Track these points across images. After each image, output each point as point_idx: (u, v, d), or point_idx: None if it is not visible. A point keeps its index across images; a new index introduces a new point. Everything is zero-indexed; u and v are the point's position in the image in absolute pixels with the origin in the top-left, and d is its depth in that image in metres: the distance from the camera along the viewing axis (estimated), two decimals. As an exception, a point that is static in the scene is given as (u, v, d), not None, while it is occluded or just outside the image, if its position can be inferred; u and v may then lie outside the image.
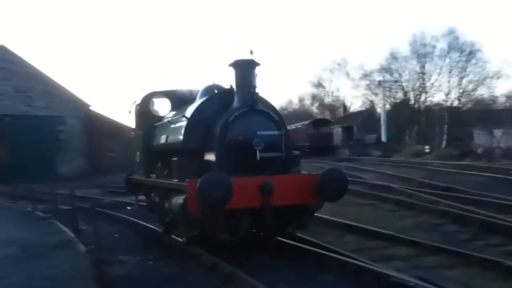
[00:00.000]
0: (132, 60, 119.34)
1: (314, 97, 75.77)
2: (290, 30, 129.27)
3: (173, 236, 9.21)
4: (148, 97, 10.66)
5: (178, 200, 7.45)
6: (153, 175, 9.53)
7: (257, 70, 7.83)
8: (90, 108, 31.99)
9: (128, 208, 15.03)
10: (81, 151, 29.42)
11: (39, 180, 24.88)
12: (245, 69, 7.81)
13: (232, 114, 7.51)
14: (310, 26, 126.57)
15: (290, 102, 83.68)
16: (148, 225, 10.88)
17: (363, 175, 21.64)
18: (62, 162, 29.62)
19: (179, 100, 9.99)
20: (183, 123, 8.20)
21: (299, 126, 49.01)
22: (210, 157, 7.60)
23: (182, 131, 8.09)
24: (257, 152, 7.23)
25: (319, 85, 73.22)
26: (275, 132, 7.63)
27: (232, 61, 7.79)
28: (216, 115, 7.81)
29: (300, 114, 70.25)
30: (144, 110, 10.56)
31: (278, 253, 7.87)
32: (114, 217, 12.95)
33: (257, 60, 7.79)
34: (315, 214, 8.43)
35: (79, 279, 6.61)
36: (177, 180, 7.84)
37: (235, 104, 7.75)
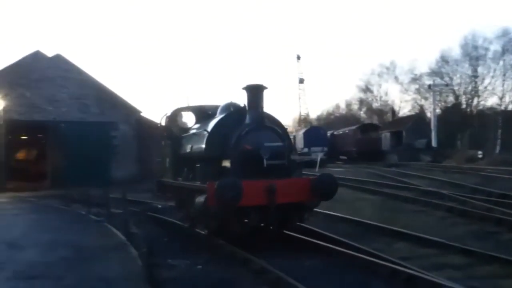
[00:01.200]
0: (179, 70, 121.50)
1: (361, 102, 74.89)
2: (338, 34, 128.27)
3: (197, 230, 10.73)
4: (177, 111, 12.67)
5: (200, 198, 9.01)
6: (180, 178, 11.30)
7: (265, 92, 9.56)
8: (141, 114, 32.62)
9: (159, 206, 15.35)
10: (133, 156, 30.10)
11: (93, 184, 25.58)
12: (255, 92, 9.54)
13: (244, 129, 9.27)
14: (358, 30, 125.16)
15: (337, 107, 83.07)
16: (197, 230, 10.99)
17: (413, 181, 21.16)
18: (114, 166, 30.31)
19: (202, 114, 11.89)
20: (205, 135, 9.96)
21: (347, 131, 48.49)
22: (227, 163, 9.27)
23: (204, 142, 9.86)
24: (264, 160, 8.92)
25: (367, 89, 72.33)
26: (279, 144, 9.31)
27: (244, 85, 9.51)
28: (232, 129, 9.46)
29: (348, 119, 69.54)
30: (173, 123, 12.49)
31: (329, 258, 7.82)
32: (164, 221, 13.13)
33: (265, 84, 9.53)
34: (362, 221, 10.55)
35: (131, 281, 6.74)
36: (199, 182, 9.53)
37: (247, 120, 9.49)
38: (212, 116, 10.89)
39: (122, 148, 30.83)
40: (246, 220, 8.94)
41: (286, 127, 10.43)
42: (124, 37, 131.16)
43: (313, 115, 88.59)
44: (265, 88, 9.62)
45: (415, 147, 41.16)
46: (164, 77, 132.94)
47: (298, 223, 9.85)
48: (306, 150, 47.71)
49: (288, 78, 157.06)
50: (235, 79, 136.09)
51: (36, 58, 30.79)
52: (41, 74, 30.00)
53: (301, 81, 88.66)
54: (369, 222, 11.25)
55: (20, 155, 41.84)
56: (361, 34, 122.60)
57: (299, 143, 51.82)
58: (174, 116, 12.65)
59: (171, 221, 12.86)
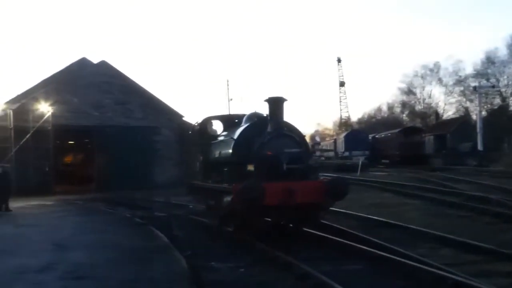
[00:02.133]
0: (222, 74, 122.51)
1: (404, 105, 73.62)
2: (379, 36, 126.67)
3: (225, 227, 11.63)
4: (207, 120, 13.95)
5: (227, 199, 10.21)
6: (209, 181, 12.53)
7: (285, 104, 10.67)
8: (183, 118, 32.99)
9: (190, 206, 15.56)
10: (175, 160, 30.53)
11: (137, 187, 26.10)
12: (276, 104, 10.63)
13: (266, 137, 10.43)
14: (400, 32, 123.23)
15: (379, 109, 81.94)
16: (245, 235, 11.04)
17: (458, 185, 20.66)
18: (158, 170, 30.76)
19: (229, 123, 13.19)
20: (232, 142, 11.14)
21: (389, 134, 47.71)
22: (251, 167, 10.28)
23: (231, 148, 11.02)
24: (284, 164, 9.97)
25: (409, 92, 71.08)
26: (297, 150, 10.33)
27: (267, 97, 10.62)
28: (255, 137, 10.62)
29: (390, 122, 68.44)
30: (203, 130, 13.75)
31: (372, 263, 7.72)
32: (207, 225, 13.26)
33: (285, 96, 10.63)
34: (406, 226, 10.87)
35: (176, 283, 6.84)
36: (227, 184, 10.66)
37: (269, 129, 10.59)
38: (238, 124, 12.17)
39: (164, 152, 31.29)
40: (267, 218, 10.39)
41: (304, 134, 11.59)
42: (167, 43, 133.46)
43: (354, 118, 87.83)
44: (285, 100, 10.69)
45: (460, 151, 40.14)
46: (207, 81, 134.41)
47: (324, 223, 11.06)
48: (347, 154, 47.24)
49: (329, 80, 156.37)
50: (277, 82, 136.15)
51: (82, 65, 31.67)
52: (87, 80, 30.88)
53: (342, 84, 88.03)
54: (412, 227, 11.04)
55: (67, 159, 43.08)
56: (403, 35, 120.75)
57: (340, 147, 51.43)
58: (204, 124, 13.93)
59: (212, 224, 12.98)
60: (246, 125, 11.51)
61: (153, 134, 31.84)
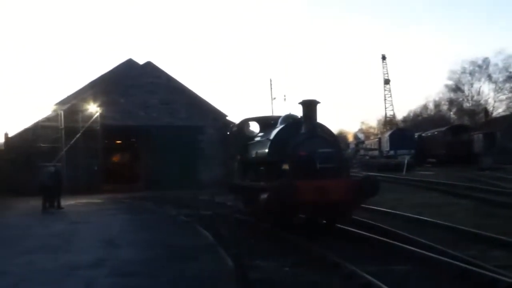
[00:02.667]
0: (267, 73, 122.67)
1: (451, 102, 71.63)
2: (424, 32, 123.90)
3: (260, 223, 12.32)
4: (244, 121, 14.77)
5: (264, 196, 10.64)
6: (247, 180, 13.26)
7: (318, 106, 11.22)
8: (227, 118, 33.15)
9: (233, 205, 15.98)
10: (219, 159, 30.78)
11: (182, 186, 26.45)
12: (309, 106, 11.16)
13: (300, 138, 10.99)
14: (446, 27, 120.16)
15: (425, 107, 79.95)
16: (285, 233, 11.05)
17: (509, 185, 19.98)
18: (202, 169, 31.03)
19: (265, 124, 13.89)
20: (268, 142, 11.82)
21: (435, 132, 46.58)
22: (286, 167, 10.90)
23: (267, 148, 11.71)
24: (317, 163, 10.43)
25: (457, 89, 69.13)
26: (330, 150, 10.77)
27: (301, 100, 11.24)
28: (290, 138, 11.18)
29: (436, 120, 66.77)
30: (240, 131, 14.50)
31: (420, 264, 7.57)
32: (250, 223, 13.32)
33: (318, 99, 11.21)
34: (454, 226, 10.85)
35: (223, 281, 6.90)
36: (263, 182, 11.39)
37: (303, 130, 11.17)
38: (274, 125, 12.82)
39: (208, 152, 31.56)
40: (301, 215, 11.24)
41: (336, 135, 12.38)
42: (211, 42, 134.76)
43: (400, 116, 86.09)
44: (318, 102, 11.23)
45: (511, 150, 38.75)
46: (251, 80, 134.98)
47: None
48: (392, 152, 46.40)
49: (373, 78, 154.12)
50: (321, 80, 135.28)
51: (128, 66, 32.42)
52: (133, 81, 31.54)
53: (387, 81, 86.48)
54: (461, 227, 10.75)
55: (115, 158, 44.03)
56: (450, 30, 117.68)
57: (385, 146, 50.54)
58: (242, 126, 14.69)
59: (256, 224, 13.03)
60: (282, 126, 12.13)
61: (197, 134, 32.13)
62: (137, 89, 31.38)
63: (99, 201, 22.67)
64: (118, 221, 14.54)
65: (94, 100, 29.59)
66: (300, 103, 11.30)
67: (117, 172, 38.79)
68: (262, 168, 12.14)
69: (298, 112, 11.86)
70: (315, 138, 10.94)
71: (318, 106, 11.26)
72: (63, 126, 28.69)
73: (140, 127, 31.34)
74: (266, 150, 11.81)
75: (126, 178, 37.01)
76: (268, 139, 12.04)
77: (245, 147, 13.81)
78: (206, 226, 12.19)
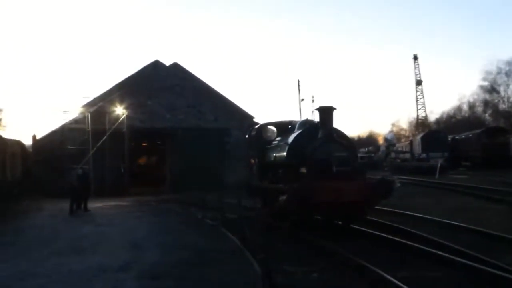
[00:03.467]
0: (294, 75, 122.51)
1: (486, 104, 70.19)
2: (458, 31, 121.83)
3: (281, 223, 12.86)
4: (262, 126, 15.85)
5: (282, 197, 11.56)
6: (265, 182, 14.28)
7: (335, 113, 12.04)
8: (254, 119, 33.18)
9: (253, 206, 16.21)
10: (245, 162, 30.87)
11: (208, 188, 26.59)
12: (326, 112, 12.01)
13: (317, 142, 11.85)
14: (481, 26, 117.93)
15: (459, 109, 78.53)
16: (306, 233, 11.05)
17: (548, 190, 19.48)
18: (228, 172, 31.08)
19: (283, 129, 14.75)
20: (286, 146, 12.75)
21: (470, 135, 45.70)
22: (303, 170, 11.71)
23: (286, 152, 12.66)
24: (334, 166, 11.32)
25: (492, 90, 67.73)
26: (345, 154, 11.68)
27: (317, 107, 12.22)
28: (308, 142, 12.04)
29: (471, 122, 65.53)
30: (259, 136, 15.40)
31: (453, 271, 7.46)
32: (277, 227, 13.26)
33: (334, 105, 12.02)
34: (489, 232, 10.75)
35: (250, 287, 6.93)
36: (282, 184, 12.22)
37: (320, 135, 12.01)
38: (291, 130, 13.75)
39: (235, 154, 31.63)
40: (318, 216, 12.15)
41: (352, 140, 13.30)
42: (239, 44, 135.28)
43: (432, 118, 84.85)
44: (334, 109, 12.01)
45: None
46: (279, 82, 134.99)
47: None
48: (424, 155, 45.72)
49: (405, 79, 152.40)
50: (351, 82, 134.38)
51: (155, 67, 32.71)
52: (160, 83, 31.93)
53: (419, 82, 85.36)
54: (496, 233, 10.56)
55: (141, 161, 44.64)
56: (484, 30, 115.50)
57: (417, 148, 49.84)
58: (260, 130, 15.63)
59: (275, 224, 13.08)
60: (299, 131, 13.00)
61: (223, 136, 32.31)
62: (163, 91, 31.80)
63: (125, 203, 23.01)
64: (144, 224, 14.74)
65: (121, 102, 30.04)
66: (317, 109, 12.25)
67: (143, 174, 39.26)
68: (280, 170, 13.05)
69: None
70: (331, 143, 11.78)
71: (335, 112, 12.04)
72: (90, 128, 29.21)
73: (166, 129, 31.67)
74: (285, 154, 12.70)
75: (152, 181, 37.38)
76: (286, 143, 12.93)
77: (263, 151, 14.85)
78: (232, 229, 12.24)
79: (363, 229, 11.76)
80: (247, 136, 17.53)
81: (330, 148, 11.65)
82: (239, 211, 15.71)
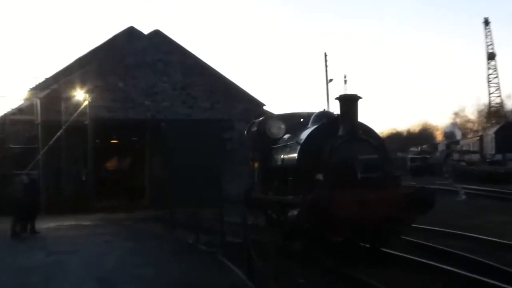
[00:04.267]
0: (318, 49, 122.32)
1: None
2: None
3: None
4: (265, 120, 16.34)
5: (293, 212, 12.10)
6: (270, 192, 14.67)
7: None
8: (264, 108, 32.98)
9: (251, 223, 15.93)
10: (245, 166, 30.74)
11: (202, 202, 26.49)
12: (348, 102, 12.47)
13: (337, 141, 12.20)
14: None
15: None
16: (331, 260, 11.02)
17: None
18: (230, 179, 30.75)
19: (293, 123, 15.23)
20: (297, 147, 13.15)
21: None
22: (319, 176, 11.98)
23: (297, 154, 13.04)
24: (358, 173, 11.60)
25: None
26: (374, 156, 11.95)
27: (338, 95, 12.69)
28: (325, 141, 12.40)
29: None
30: (262, 133, 15.83)
31: None
32: (296, 253, 13.25)
33: (359, 94, 12.50)
34: None
35: None
36: (292, 196, 12.53)
37: (340, 132, 12.42)
38: (304, 125, 14.29)
39: (239, 154, 31.44)
40: (338, 236, 12.27)
41: (382, 138, 13.64)
42: (244, 7, 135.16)
43: (510, 105, 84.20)
44: (359, 98, 12.47)
45: None
46: (296, 58, 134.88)
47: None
48: (499, 157, 45.41)
49: (471, 52, 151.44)
50: (396, 56, 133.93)
51: (130, 36, 32.57)
52: (136, 57, 31.98)
53: (491, 56, 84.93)
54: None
55: (111, 164, 44.69)
56: None
57: (489, 147, 49.63)
58: (263, 125, 16.02)
59: (283, 247, 13.15)
60: (314, 126, 13.47)
61: (224, 130, 32.16)
62: (141, 68, 31.85)
63: (89, 223, 23.03)
64: (115, 251, 14.70)
65: (82, 84, 29.94)
66: (337, 98, 12.69)
67: (113, 183, 39.21)
68: (290, 178, 13.15)
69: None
70: (356, 142, 12.19)
71: (360, 102, 12.46)
72: (39, 120, 29.21)
73: (145, 121, 31.84)
74: (295, 156, 13.15)
75: (126, 192, 37.40)
76: (297, 142, 13.38)
77: (267, 152, 15.40)
78: (235, 258, 12.21)
79: (408, 256, 11.89)
80: (246, 132, 18.23)
81: (353, 148, 11.99)
82: (244, 233, 15.67)
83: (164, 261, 13.10)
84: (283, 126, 15.63)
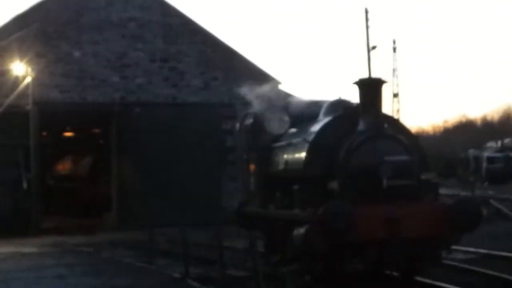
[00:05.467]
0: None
1: None
2: None
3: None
4: (263, 111, 16.61)
5: (300, 231, 12.15)
6: (271, 206, 14.98)
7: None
8: (279, 86, 32.83)
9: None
10: (238, 171, 30.70)
11: (191, 220, 26.53)
12: (370, 89, 12.95)
13: (356, 139, 12.51)
14: None
15: None
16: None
17: None
18: (229, 187, 30.70)
19: (300, 115, 15.66)
20: (305, 146, 13.40)
21: None
22: (333, 184, 12.28)
23: (304, 156, 13.34)
24: (384, 180, 11.77)
25: None
26: (404, 158, 12.29)
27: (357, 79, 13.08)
28: (340, 139, 12.82)
29: None
30: (260, 127, 16.26)
31: None
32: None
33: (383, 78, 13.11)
34: None
35: None
36: (298, 210, 12.83)
37: (360, 127, 12.78)
38: (314, 117, 14.64)
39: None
40: (361, 262, 12.38)
41: (415, 135, 14.21)
42: None
43: None
44: (384, 82, 13.20)
45: None
46: (322, 20, 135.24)
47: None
48: None
49: None
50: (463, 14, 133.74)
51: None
52: (98, 14, 31.95)
53: None
54: None
55: (63, 167, 44.56)
56: None
57: None
58: (261, 117, 16.43)
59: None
60: (327, 119, 13.90)
61: (221, 118, 32.12)
62: (105, 31, 31.86)
63: (33, 250, 23.12)
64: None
65: (23, 54, 29.88)
66: (356, 83, 13.13)
67: (67, 194, 39.32)
68: (295, 186, 13.41)
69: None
70: (381, 139, 12.57)
71: (384, 86, 13.20)
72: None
73: (112, 105, 31.85)
74: (303, 159, 13.42)
75: (84, 205, 37.43)
76: (305, 139, 13.66)
77: (266, 153, 15.84)
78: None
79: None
80: (238, 126, 19.28)
81: (378, 148, 12.33)
82: (253, 262, 15.74)
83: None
84: (286, 119, 15.98)
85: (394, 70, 73.96)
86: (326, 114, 14.25)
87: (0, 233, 26.35)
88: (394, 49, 59.95)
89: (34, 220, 29.85)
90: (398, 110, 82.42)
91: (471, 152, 61.90)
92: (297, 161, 13.70)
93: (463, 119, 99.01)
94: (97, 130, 38.87)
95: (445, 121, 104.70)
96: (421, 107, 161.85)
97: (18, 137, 29.50)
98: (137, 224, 28.09)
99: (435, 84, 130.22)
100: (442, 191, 43.73)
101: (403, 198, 11.90)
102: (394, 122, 13.49)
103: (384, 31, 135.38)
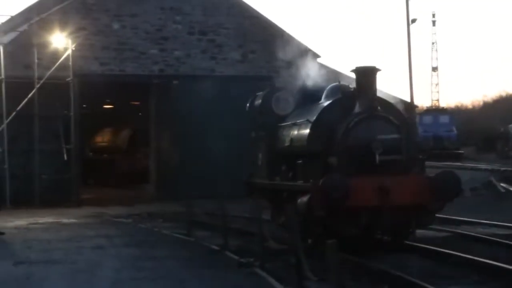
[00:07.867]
0: None
1: None
2: None
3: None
4: (270, 92, 18.96)
5: (303, 199, 14.19)
6: (277, 178, 17.11)
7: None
8: (318, 60, 32.68)
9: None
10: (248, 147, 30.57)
11: (230, 193, 26.35)
12: (365, 75, 15.02)
13: (352, 120, 14.49)
14: None
15: None
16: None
17: None
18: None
19: (304, 97, 17.75)
20: (308, 125, 15.44)
21: None
22: (332, 159, 14.25)
23: (307, 134, 15.34)
24: (377, 155, 13.88)
25: None
26: (395, 136, 14.34)
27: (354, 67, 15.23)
28: (339, 119, 14.80)
29: None
30: (267, 107, 18.30)
31: None
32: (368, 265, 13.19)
33: (378, 66, 15.07)
34: None
35: None
36: (301, 181, 15.07)
37: (356, 109, 14.79)
38: (316, 100, 16.77)
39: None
40: (355, 227, 14.25)
41: (405, 115, 16.44)
42: None
43: None
44: (378, 70, 15.01)
45: None
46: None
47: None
48: None
49: None
50: None
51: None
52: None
53: None
54: None
55: (102, 139, 44.53)
56: None
57: None
58: (268, 99, 18.49)
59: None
60: (327, 102, 15.98)
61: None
62: (144, 3, 31.79)
63: (72, 220, 23.23)
64: (109, 262, 14.69)
65: (63, 26, 29.91)
66: (352, 70, 15.27)
67: (106, 166, 39.36)
68: (299, 161, 15.58)
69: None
70: (374, 120, 14.52)
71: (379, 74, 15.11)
72: (3, 75, 29.34)
73: (151, 78, 31.89)
74: (306, 136, 15.40)
75: (123, 177, 37.46)
76: (308, 120, 15.59)
77: (273, 132, 17.72)
78: (281, 271, 12.14)
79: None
80: (248, 106, 20.45)
81: (371, 127, 14.38)
82: (293, 234, 15.58)
83: (179, 278, 12.96)
84: (291, 101, 17.98)
85: (433, 44, 73.28)
86: (327, 97, 16.29)
87: (41, 204, 26.40)
88: (434, 23, 59.37)
89: (74, 191, 29.99)
90: (436, 84, 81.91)
91: (511, 126, 61.09)
92: (301, 139, 15.71)
93: (504, 94, 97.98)
94: (136, 102, 38.77)
95: (485, 96, 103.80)
96: (461, 82, 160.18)
97: (58, 108, 29.48)
98: (175, 196, 28.08)
99: (475, 59, 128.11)
100: (482, 165, 43.52)
101: (393, 171, 14.04)
102: (386, 104, 15.23)
103: (424, 4, 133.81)
